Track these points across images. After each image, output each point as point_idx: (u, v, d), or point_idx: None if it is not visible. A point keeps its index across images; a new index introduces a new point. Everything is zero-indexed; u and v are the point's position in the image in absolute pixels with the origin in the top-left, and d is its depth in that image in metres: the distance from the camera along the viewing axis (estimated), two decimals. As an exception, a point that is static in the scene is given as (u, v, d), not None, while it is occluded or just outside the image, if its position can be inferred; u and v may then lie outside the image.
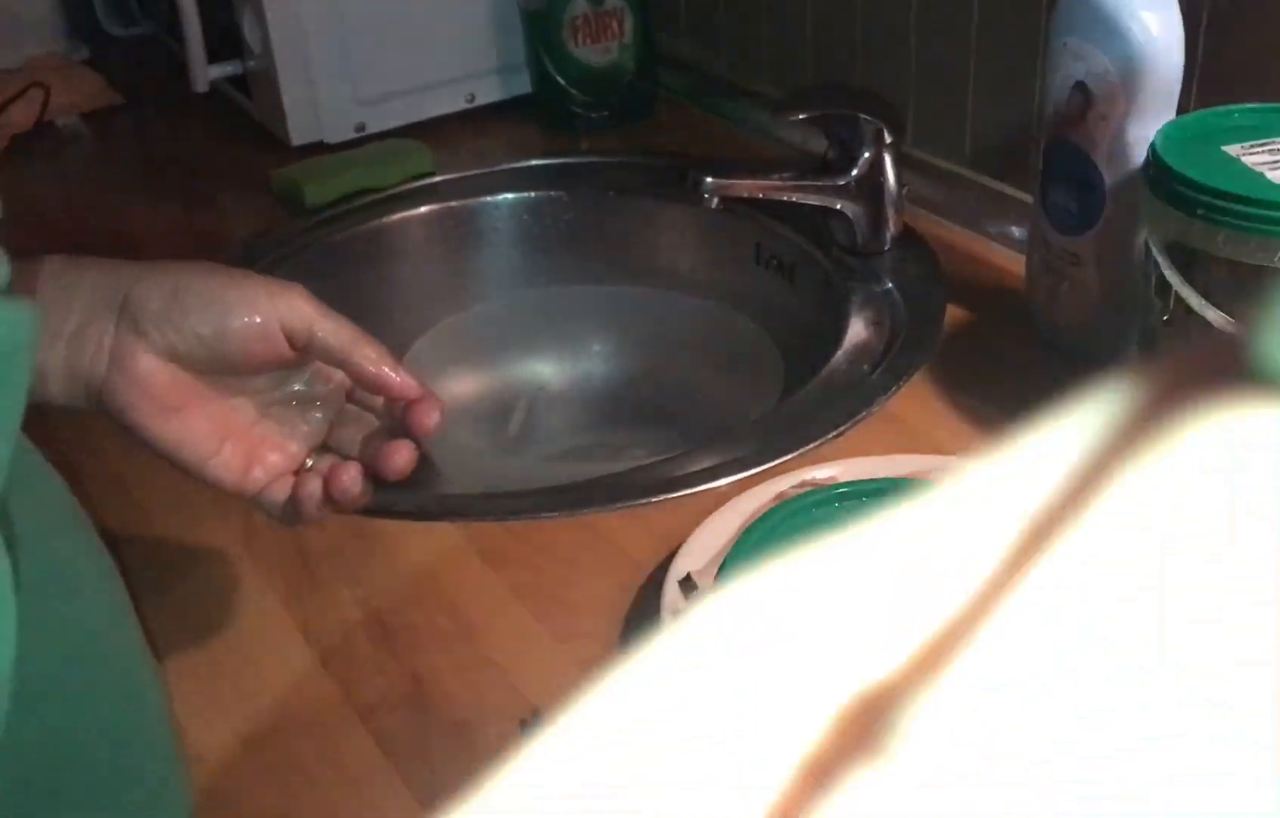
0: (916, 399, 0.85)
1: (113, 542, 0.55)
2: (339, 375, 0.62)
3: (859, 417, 0.83)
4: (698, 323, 1.13)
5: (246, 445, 0.60)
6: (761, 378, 1.06)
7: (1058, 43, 0.80)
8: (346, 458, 0.62)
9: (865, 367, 0.89)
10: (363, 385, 0.61)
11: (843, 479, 0.73)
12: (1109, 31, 0.76)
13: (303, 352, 0.59)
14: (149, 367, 0.56)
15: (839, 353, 0.91)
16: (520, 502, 0.77)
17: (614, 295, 1.17)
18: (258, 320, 0.57)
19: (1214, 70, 0.84)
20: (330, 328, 0.59)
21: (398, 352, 1.10)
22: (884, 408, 0.84)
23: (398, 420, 0.61)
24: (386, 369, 0.60)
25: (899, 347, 0.90)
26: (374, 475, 0.60)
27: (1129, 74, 0.76)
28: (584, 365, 1.17)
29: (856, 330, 0.93)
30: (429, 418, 0.60)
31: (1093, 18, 0.77)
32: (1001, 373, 0.87)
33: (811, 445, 0.80)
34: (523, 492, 0.78)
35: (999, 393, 0.84)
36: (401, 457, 0.60)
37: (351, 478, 0.59)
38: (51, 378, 0.56)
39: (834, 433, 0.81)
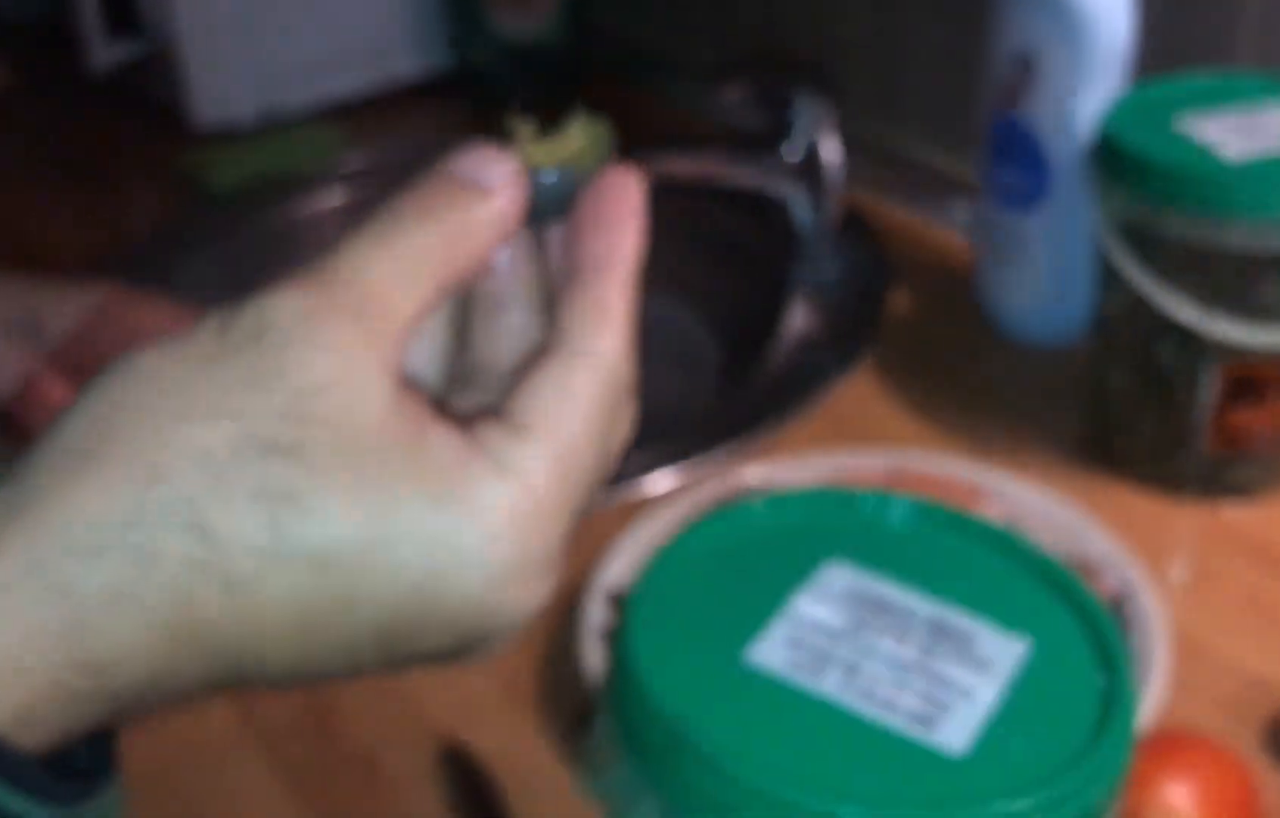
0: (860, 389, 0.81)
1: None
2: None
3: (800, 409, 0.79)
4: (634, 310, 1.09)
5: None
6: (699, 367, 1.02)
7: (1001, 14, 0.76)
8: None
9: (807, 355, 0.85)
10: None
11: (781, 481, 0.69)
12: (1052, 2, 0.72)
13: None
14: (59, 393, 0.57)
15: (780, 340, 0.87)
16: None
17: (543, 282, 1.12)
18: None
19: (1164, 38, 0.81)
20: None
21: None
22: (826, 400, 0.80)
23: None
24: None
25: (842, 333, 0.86)
26: None
27: (1074, 44, 0.73)
28: (513, 355, 1.13)
29: (797, 317, 0.89)
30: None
31: (1037, -15, 0.73)
32: (947, 360, 0.84)
33: (751, 441, 0.76)
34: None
35: (945, 381, 0.81)
36: None
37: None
38: None
39: (774, 428, 0.77)
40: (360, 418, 0.28)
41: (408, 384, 0.30)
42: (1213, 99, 0.68)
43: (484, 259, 0.32)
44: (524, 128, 0.33)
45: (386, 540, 0.27)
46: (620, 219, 0.33)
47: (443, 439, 0.29)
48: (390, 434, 0.28)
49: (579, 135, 0.34)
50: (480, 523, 0.28)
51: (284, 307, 0.28)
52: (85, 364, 0.56)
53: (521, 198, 0.32)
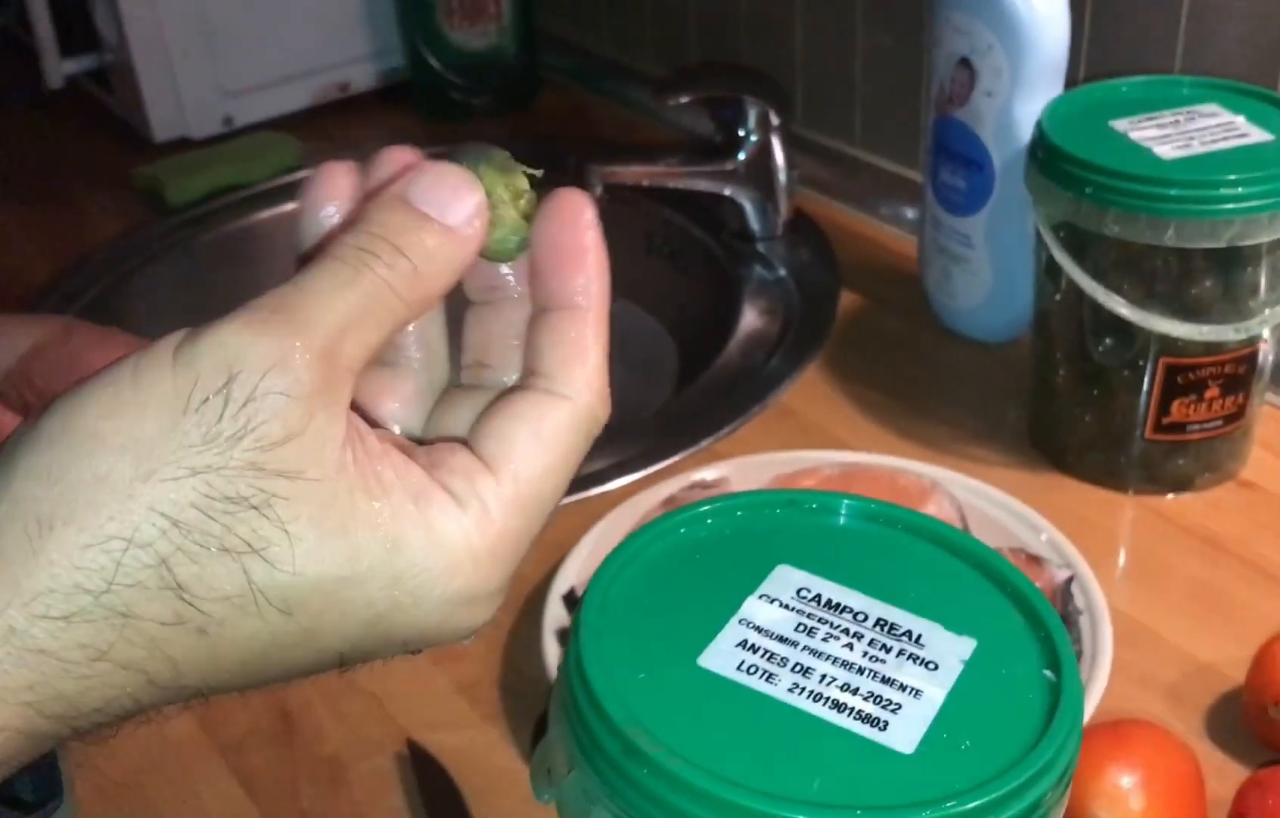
0: (811, 389, 0.82)
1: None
2: None
3: (753, 411, 0.80)
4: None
5: None
6: (655, 369, 1.03)
7: (941, 17, 0.78)
8: None
9: (759, 356, 0.87)
10: None
11: (735, 481, 0.70)
12: (992, 6, 0.74)
13: None
14: (4, 422, 0.56)
15: (732, 342, 0.89)
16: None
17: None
18: None
19: (1100, 43, 0.83)
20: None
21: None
22: (778, 400, 0.81)
23: None
24: None
25: (793, 334, 0.88)
26: None
27: (1013, 48, 0.74)
28: (470, 362, 1.13)
29: (750, 319, 0.91)
30: None
31: (977, -9, 0.75)
32: (896, 358, 0.85)
33: (705, 443, 0.77)
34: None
35: (893, 379, 0.82)
36: None
37: None
38: None
39: (727, 429, 0.78)
40: (321, 466, 0.28)
41: (361, 424, 0.30)
42: (1146, 102, 0.70)
43: (437, 297, 0.31)
44: (487, 165, 0.32)
45: (350, 580, 0.28)
46: (585, 249, 0.32)
47: (403, 478, 0.29)
48: (349, 478, 0.28)
49: (503, 183, 0.32)
50: (438, 557, 0.29)
51: (246, 353, 0.27)
52: (31, 400, 0.56)
53: (481, 236, 0.31)
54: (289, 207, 1.09)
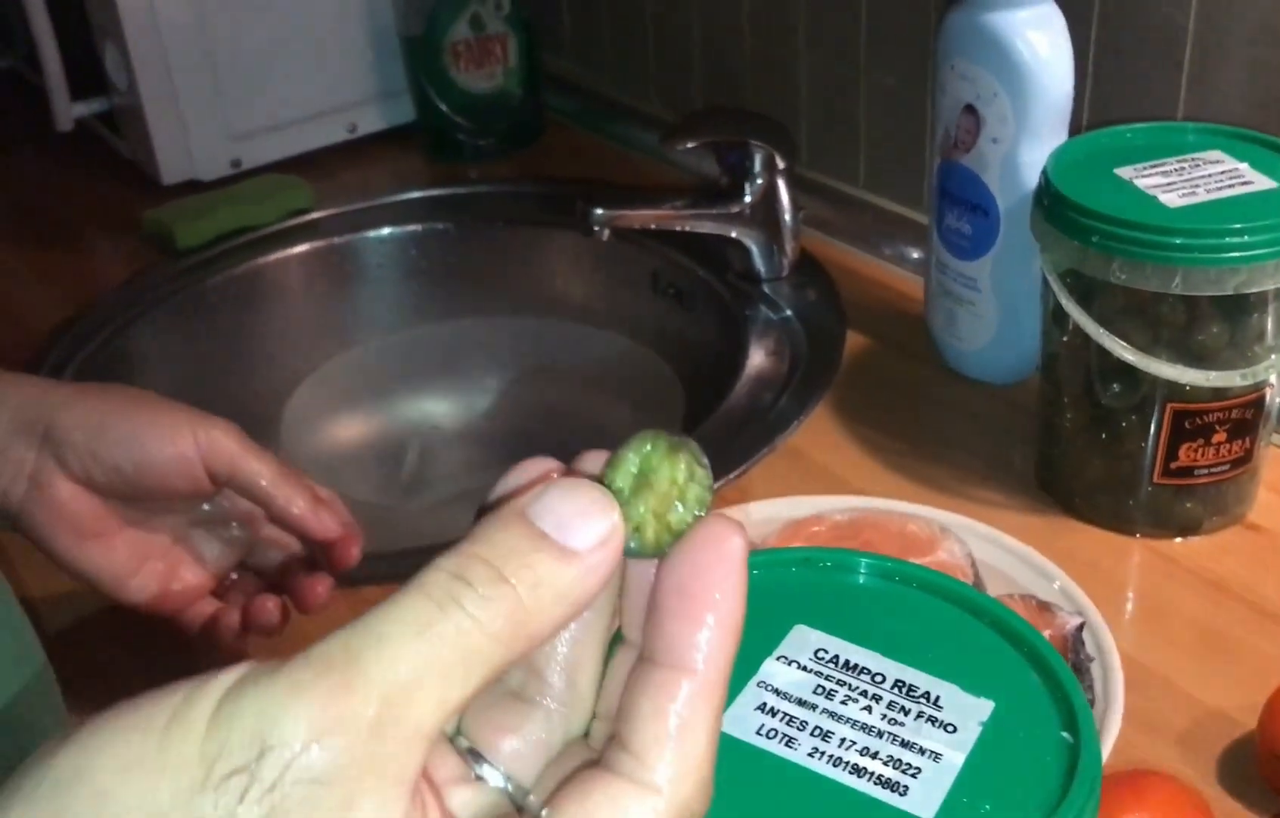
0: (818, 431, 0.83)
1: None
2: None
3: (760, 454, 0.80)
4: (594, 354, 1.10)
5: (165, 566, 0.61)
6: (661, 409, 1.03)
7: (946, 65, 0.78)
8: (263, 576, 0.63)
9: (766, 397, 0.87)
10: (283, 527, 0.61)
11: (744, 527, 0.70)
12: (996, 53, 0.75)
13: (224, 486, 0.60)
14: (68, 494, 0.58)
15: (739, 384, 0.89)
16: (403, 564, 0.73)
17: (506, 328, 1.13)
18: (180, 457, 0.58)
19: (1104, 89, 0.83)
20: (253, 468, 0.59)
21: (279, 397, 1.07)
22: (786, 442, 0.82)
23: (316, 551, 0.63)
24: (307, 514, 0.60)
25: (800, 376, 0.88)
26: (293, 605, 0.62)
27: (1018, 95, 0.75)
28: (477, 402, 1.13)
29: (756, 360, 0.91)
30: (348, 555, 0.62)
31: (980, 39, 0.76)
32: (903, 400, 0.86)
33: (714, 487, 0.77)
34: (408, 551, 0.74)
35: (901, 422, 0.83)
36: (319, 591, 0.61)
37: (269, 610, 0.61)
38: None
39: (735, 473, 0.79)
40: None
41: (431, 805, 0.25)
42: (1151, 149, 0.71)
43: (547, 638, 0.25)
44: (655, 445, 0.27)
45: None
46: (719, 602, 0.26)
47: None
48: None
49: (667, 467, 0.27)
50: None
51: (282, 723, 0.22)
52: (95, 473, 0.58)
53: (610, 565, 0.25)
54: (298, 249, 1.10)
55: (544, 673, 0.28)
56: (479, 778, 0.27)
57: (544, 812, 0.25)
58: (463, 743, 0.27)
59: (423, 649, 0.23)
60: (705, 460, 0.27)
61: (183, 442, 0.58)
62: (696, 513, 0.27)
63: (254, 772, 0.22)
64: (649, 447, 0.27)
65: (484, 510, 0.26)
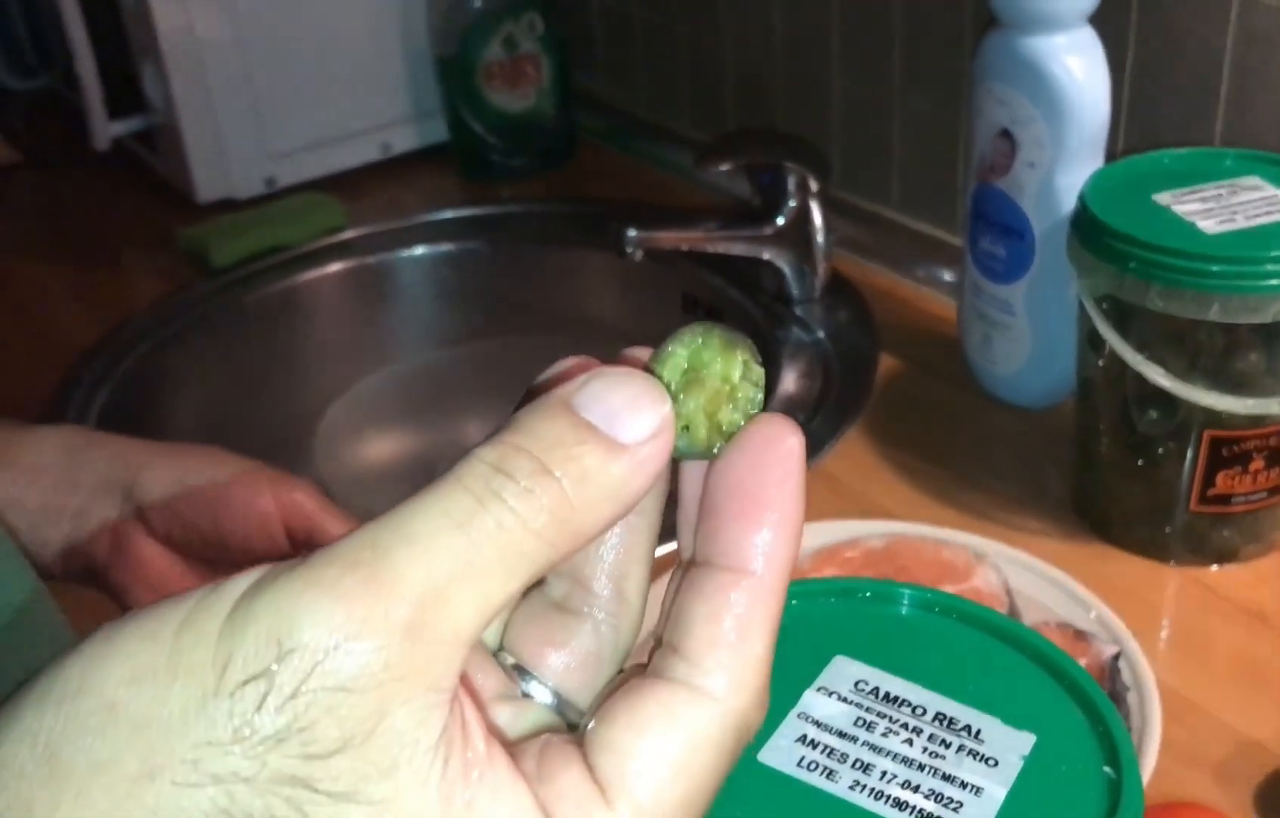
0: (851, 455, 0.82)
1: None
2: None
3: (792, 477, 0.80)
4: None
5: None
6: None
7: (982, 88, 0.78)
8: None
9: (798, 420, 0.86)
10: None
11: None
12: (1033, 77, 0.75)
13: (302, 547, 0.60)
14: (149, 552, 0.58)
15: (771, 406, 0.89)
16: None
17: (538, 348, 1.13)
18: (260, 516, 0.59)
19: (1141, 114, 0.83)
20: (332, 529, 0.60)
21: (312, 416, 1.07)
22: (819, 466, 0.82)
23: None
24: None
25: (832, 399, 0.88)
26: None
27: (1054, 120, 0.75)
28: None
29: (788, 382, 0.91)
30: None
31: (1016, 63, 0.75)
32: (937, 424, 0.85)
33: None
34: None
35: (934, 446, 0.82)
36: None
37: None
38: (50, 549, 0.57)
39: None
40: (391, 783, 0.21)
41: (473, 717, 0.22)
42: (1188, 175, 0.70)
43: (594, 536, 0.23)
44: (707, 339, 0.25)
45: None
46: (778, 501, 0.24)
47: (498, 800, 0.22)
48: (429, 803, 0.21)
49: (720, 363, 0.25)
50: None
51: (303, 624, 0.20)
52: (176, 533, 0.58)
53: (662, 459, 0.23)
54: (331, 268, 1.11)
55: (590, 583, 0.26)
56: (525, 696, 0.25)
57: (590, 724, 0.23)
58: (507, 659, 0.26)
59: (460, 546, 0.21)
60: (760, 359, 0.26)
61: (263, 501, 0.58)
62: (750, 412, 0.25)
63: (272, 678, 0.20)
64: (700, 340, 0.25)
65: (522, 404, 0.24)
